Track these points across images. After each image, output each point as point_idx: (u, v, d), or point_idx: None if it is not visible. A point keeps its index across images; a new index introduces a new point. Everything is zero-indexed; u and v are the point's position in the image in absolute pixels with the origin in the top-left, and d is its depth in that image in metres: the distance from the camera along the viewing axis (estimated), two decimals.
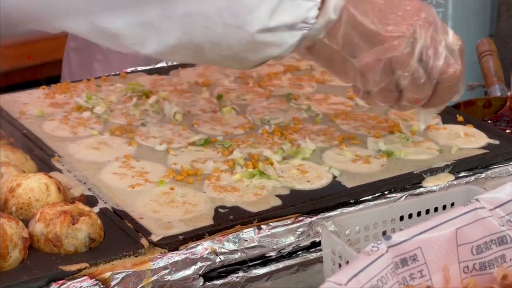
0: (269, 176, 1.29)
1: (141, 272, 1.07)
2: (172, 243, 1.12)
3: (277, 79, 1.70)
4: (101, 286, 1.05)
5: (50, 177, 1.19)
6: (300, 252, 1.18)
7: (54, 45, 2.69)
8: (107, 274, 1.05)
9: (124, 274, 1.06)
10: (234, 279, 1.13)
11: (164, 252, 1.11)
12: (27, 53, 2.75)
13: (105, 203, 1.22)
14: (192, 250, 1.11)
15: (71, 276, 1.05)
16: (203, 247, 1.12)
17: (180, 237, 1.13)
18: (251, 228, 1.16)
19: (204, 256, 1.11)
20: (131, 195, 1.24)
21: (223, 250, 1.13)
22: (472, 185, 1.29)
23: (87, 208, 1.14)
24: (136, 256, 1.09)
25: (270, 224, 1.17)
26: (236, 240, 1.14)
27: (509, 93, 1.91)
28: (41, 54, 2.78)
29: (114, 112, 1.52)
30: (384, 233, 1.14)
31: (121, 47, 1.24)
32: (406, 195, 1.27)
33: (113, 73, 1.72)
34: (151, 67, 1.77)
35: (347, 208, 1.23)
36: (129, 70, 1.74)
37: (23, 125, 1.46)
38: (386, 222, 1.15)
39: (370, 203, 1.25)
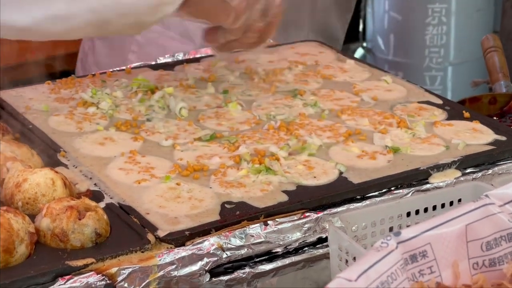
0: (275, 171, 1.29)
1: (148, 267, 1.07)
2: (178, 239, 1.12)
3: (283, 75, 1.69)
4: (108, 281, 1.05)
5: (56, 172, 1.19)
6: (306, 248, 1.18)
7: (58, 41, 2.68)
8: (114, 270, 1.05)
9: (130, 269, 1.06)
10: (241, 275, 1.13)
11: (171, 247, 1.10)
12: (31, 49, 2.74)
13: (111, 198, 1.21)
14: (199, 245, 1.11)
15: (78, 271, 1.04)
16: (209, 242, 1.12)
17: (187, 232, 1.13)
18: (258, 224, 1.15)
19: (211, 251, 1.11)
20: (137, 191, 1.24)
21: (229, 246, 1.12)
22: (479, 181, 1.28)
23: (93, 203, 1.14)
24: (142, 252, 1.09)
25: (277, 220, 1.17)
26: (243, 236, 1.14)
27: None
28: (45, 49, 2.78)
29: (120, 108, 1.52)
30: (390, 229, 1.14)
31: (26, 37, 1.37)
32: (412, 191, 1.27)
33: (117, 69, 1.72)
34: (156, 62, 1.76)
35: (354, 204, 1.23)
36: (133, 65, 1.74)
37: (29, 120, 1.45)
38: (393, 218, 1.14)
39: (376, 199, 1.25)
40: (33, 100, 1.54)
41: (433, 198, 1.17)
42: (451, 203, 1.17)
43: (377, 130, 1.45)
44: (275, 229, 1.16)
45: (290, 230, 1.17)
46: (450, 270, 0.88)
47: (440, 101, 1.58)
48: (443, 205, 1.17)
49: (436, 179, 1.30)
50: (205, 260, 1.10)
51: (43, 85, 1.61)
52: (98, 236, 1.10)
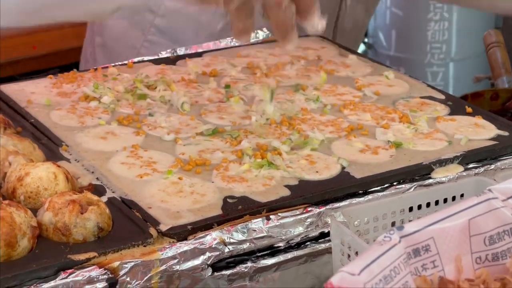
0: (277, 166, 1.29)
1: (150, 261, 1.07)
2: (180, 233, 1.12)
3: (285, 69, 1.69)
4: (110, 275, 1.05)
5: (59, 166, 1.19)
6: (308, 243, 1.18)
7: (59, 35, 2.69)
8: (116, 264, 1.05)
9: (132, 263, 1.06)
10: (243, 269, 1.13)
11: (173, 242, 1.10)
12: (33, 43, 2.75)
13: (113, 192, 1.21)
14: (201, 240, 1.11)
15: (80, 265, 1.04)
16: (211, 237, 1.11)
17: (189, 227, 1.13)
18: (260, 219, 1.15)
19: (213, 246, 1.11)
20: (139, 185, 1.24)
21: (231, 240, 1.12)
22: (482, 176, 1.28)
23: (95, 198, 1.14)
24: (144, 246, 1.09)
25: (279, 214, 1.16)
26: (245, 230, 1.13)
27: None
28: (46, 44, 2.78)
29: (121, 102, 1.51)
30: (393, 224, 1.14)
31: None
32: (415, 186, 1.26)
33: (119, 63, 1.72)
34: (157, 57, 1.76)
35: (356, 199, 1.23)
36: (135, 60, 1.73)
37: (31, 114, 1.45)
38: (395, 213, 1.14)
39: (379, 194, 1.24)
40: (35, 94, 1.54)
41: (436, 193, 1.17)
42: (454, 198, 1.17)
43: (379, 125, 1.45)
44: (277, 223, 1.16)
45: (292, 224, 1.17)
46: (453, 265, 0.88)
47: (442, 96, 1.58)
48: (445, 200, 1.17)
49: (439, 174, 1.30)
50: (207, 254, 1.10)
51: (45, 79, 1.61)
52: (100, 230, 1.10)
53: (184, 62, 1.73)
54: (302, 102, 1.54)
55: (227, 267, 1.12)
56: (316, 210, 1.18)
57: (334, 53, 1.80)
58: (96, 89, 1.54)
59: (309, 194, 1.21)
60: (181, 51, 1.78)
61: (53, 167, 1.18)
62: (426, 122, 1.45)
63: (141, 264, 1.06)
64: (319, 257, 1.17)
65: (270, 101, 1.46)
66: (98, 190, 1.21)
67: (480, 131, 1.43)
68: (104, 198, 1.18)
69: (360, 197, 1.23)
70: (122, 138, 1.39)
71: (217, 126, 1.43)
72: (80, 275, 1.03)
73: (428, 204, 1.16)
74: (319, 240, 1.18)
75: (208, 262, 1.10)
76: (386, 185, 1.26)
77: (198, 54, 1.76)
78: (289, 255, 1.16)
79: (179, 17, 1.92)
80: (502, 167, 1.34)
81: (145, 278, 1.06)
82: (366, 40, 3.68)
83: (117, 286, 1.05)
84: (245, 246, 1.13)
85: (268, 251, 1.15)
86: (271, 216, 1.16)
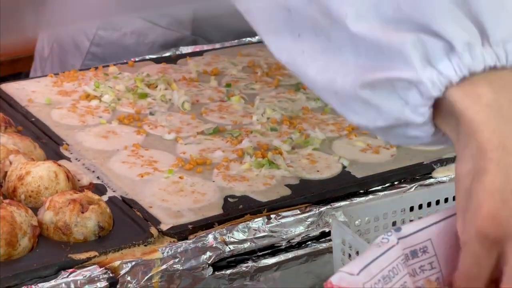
0: (278, 165, 1.29)
1: (151, 261, 1.07)
2: (181, 232, 1.12)
3: (286, 68, 1.69)
4: (111, 274, 1.05)
5: (59, 165, 1.19)
6: (309, 242, 1.18)
7: None
8: (117, 263, 1.05)
9: (133, 263, 1.06)
10: (244, 268, 1.13)
11: (173, 241, 1.10)
12: (33, 42, 2.74)
13: (114, 191, 1.21)
14: (202, 239, 1.11)
15: (81, 264, 1.04)
16: (212, 236, 1.11)
17: (190, 226, 1.13)
18: (261, 218, 1.15)
19: (214, 245, 1.11)
20: (140, 184, 1.24)
21: (232, 240, 1.12)
22: None
23: (96, 197, 1.14)
24: (145, 245, 1.09)
25: (280, 214, 1.17)
26: (246, 230, 1.14)
27: None
28: None
29: (122, 101, 1.52)
30: (394, 223, 1.13)
31: None
32: (416, 186, 1.27)
33: (120, 62, 1.72)
34: (159, 55, 1.76)
35: (357, 198, 1.23)
36: (137, 59, 1.73)
37: (31, 113, 1.45)
38: (396, 212, 1.14)
39: (380, 193, 1.24)
40: (36, 93, 1.54)
41: (437, 192, 1.17)
42: (454, 198, 1.17)
43: None
44: (278, 223, 1.16)
45: (293, 224, 1.17)
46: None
47: None
48: (446, 200, 1.17)
49: (440, 174, 1.30)
50: (208, 253, 1.10)
51: (46, 78, 1.61)
52: (101, 229, 1.10)
53: (185, 61, 1.72)
54: (303, 101, 1.54)
55: (228, 267, 1.12)
56: (317, 210, 1.18)
57: None
58: (97, 88, 1.54)
59: (310, 194, 1.21)
60: (182, 50, 1.78)
61: (54, 166, 1.18)
62: None
63: (141, 264, 1.06)
64: (320, 256, 1.17)
65: None
66: (99, 189, 1.21)
67: None
68: (105, 197, 1.19)
69: (361, 197, 1.23)
70: (123, 137, 1.39)
71: (218, 125, 1.43)
72: (80, 275, 1.03)
73: (429, 204, 1.16)
74: (320, 240, 1.18)
75: (209, 262, 1.10)
76: (387, 185, 1.26)
77: (199, 53, 1.76)
78: (290, 255, 1.16)
79: (115, 47, 1.90)
80: None
81: (145, 278, 1.06)
82: None
83: (117, 286, 1.05)
84: (246, 245, 1.13)
85: (269, 251, 1.15)
86: (271, 216, 1.16)
